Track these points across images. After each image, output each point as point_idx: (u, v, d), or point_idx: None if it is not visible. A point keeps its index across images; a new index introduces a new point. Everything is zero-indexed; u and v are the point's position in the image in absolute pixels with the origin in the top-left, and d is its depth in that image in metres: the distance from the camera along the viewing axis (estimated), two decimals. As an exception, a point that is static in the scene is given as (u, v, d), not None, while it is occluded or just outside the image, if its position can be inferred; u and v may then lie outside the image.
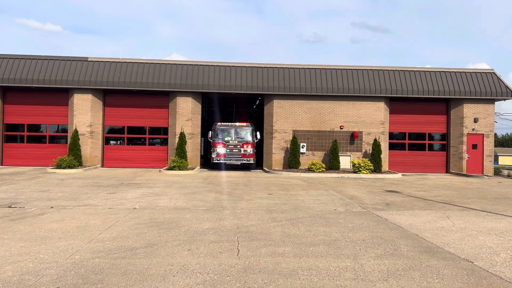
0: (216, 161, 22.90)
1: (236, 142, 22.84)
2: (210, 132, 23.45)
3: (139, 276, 5.34)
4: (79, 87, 22.40)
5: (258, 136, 23.37)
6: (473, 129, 23.64)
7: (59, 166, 20.15)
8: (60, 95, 23.18)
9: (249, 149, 22.84)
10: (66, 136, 23.23)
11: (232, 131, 23.22)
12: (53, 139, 23.70)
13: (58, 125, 23.64)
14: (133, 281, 5.14)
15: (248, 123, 23.95)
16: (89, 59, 22.71)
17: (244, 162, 22.96)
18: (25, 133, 23.38)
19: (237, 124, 23.76)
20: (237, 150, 22.75)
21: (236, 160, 22.90)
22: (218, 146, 22.83)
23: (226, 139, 22.93)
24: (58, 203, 10.81)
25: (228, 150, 22.78)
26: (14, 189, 13.36)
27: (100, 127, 23.40)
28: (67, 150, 22.23)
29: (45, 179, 16.56)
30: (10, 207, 10.04)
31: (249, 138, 23.09)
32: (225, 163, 23.08)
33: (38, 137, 23.65)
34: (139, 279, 5.23)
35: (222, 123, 23.67)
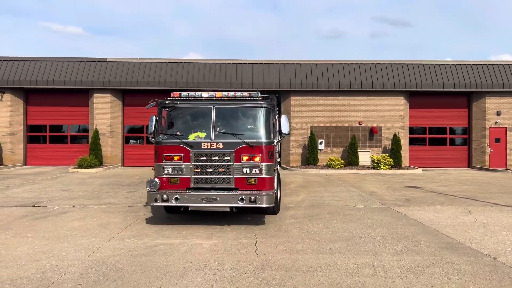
0: (160, 203, 7.90)
1: (222, 146, 8.00)
2: (154, 119, 8.49)
3: (158, 273, 5.41)
4: (99, 87, 22.72)
5: (287, 128, 8.70)
6: (495, 123, 23.09)
7: (80, 166, 20.52)
8: (80, 96, 23.56)
9: (259, 166, 7.95)
10: (87, 136, 23.62)
11: (211, 115, 8.28)
12: (74, 139, 24.13)
13: (79, 125, 24.05)
14: (152, 278, 5.21)
15: (254, 94, 8.56)
16: (108, 60, 23.02)
17: (241, 205, 7.73)
18: (48, 134, 23.86)
19: (227, 95, 8.58)
20: (222, 170, 7.97)
21: (217, 200, 7.75)
22: (167, 161, 8.11)
23: (192, 137, 8.24)
24: (80, 202, 11.02)
25: (197, 171, 8.01)
26: (38, 188, 13.67)
27: (120, 126, 23.71)
28: (88, 149, 22.60)
29: (67, 178, 16.90)
30: (33, 206, 10.28)
31: (259, 133, 8.25)
32: (188, 207, 8.22)
33: (60, 137, 24.10)
34: (159, 276, 5.30)
35: (182, 94, 8.65)
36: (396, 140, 21.89)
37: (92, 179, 16.73)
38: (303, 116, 23.27)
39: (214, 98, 8.51)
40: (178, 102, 8.50)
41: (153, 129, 8.51)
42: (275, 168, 8.42)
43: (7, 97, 22.63)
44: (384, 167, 20.97)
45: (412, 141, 23.96)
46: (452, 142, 24.30)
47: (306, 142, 22.91)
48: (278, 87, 22.90)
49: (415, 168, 21.53)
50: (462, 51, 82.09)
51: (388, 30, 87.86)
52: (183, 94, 8.59)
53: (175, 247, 6.59)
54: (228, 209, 7.86)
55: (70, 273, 5.40)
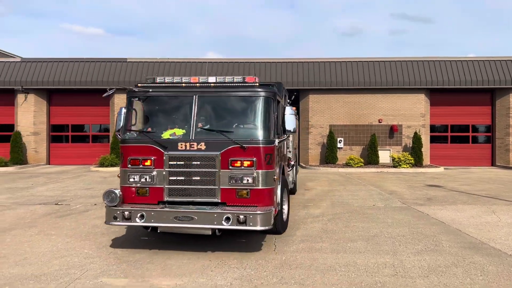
0: (121, 221, 6.11)
1: (204, 146, 6.25)
2: (122, 112, 6.87)
3: (178, 270, 5.46)
4: (119, 87, 23.02)
5: (293, 123, 6.90)
6: (520, 120, 22.51)
7: (102, 165, 20.84)
8: (101, 96, 23.90)
9: (253, 174, 6.16)
10: (108, 135, 23.97)
11: (192, 106, 6.50)
12: (96, 139, 24.54)
13: (100, 125, 24.44)
14: (172, 275, 5.26)
15: (250, 80, 6.66)
16: (128, 60, 23.32)
17: (226, 227, 5.84)
18: (70, 133, 24.32)
19: (214, 80, 6.75)
20: (205, 178, 6.24)
21: (195, 220, 5.91)
22: (134, 166, 6.46)
23: (167, 134, 6.51)
24: (101, 200, 11.18)
25: (172, 179, 6.30)
26: (60, 187, 13.95)
27: (139, 126, 23.98)
28: (109, 149, 22.95)
29: (88, 177, 17.20)
30: (57, 204, 10.51)
31: (255, 130, 6.43)
32: (156, 228, 6.27)
33: (82, 136, 24.54)
34: (179, 273, 5.35)
35: (158, 79, 6.96)
36: (417, 138, 21.57)
37: (114, 177, 16.98)
38: (321, 114, 23.13)
39: (198, 85, 6.67)
40: (150, 89, 6.73)
41: (121, 124, 6.75)
42: (275, 177, 6.40)
43: (31, 97, 23.16)
44: (405, 166, 20.69)
45: (433, 139, 23.57)
46: (475, 140, 23.81)
47: (325, 141, 22.77)
48: (296, 86, 22.82)
49: (436, 167, 21.19)
50: (485, 47, 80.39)
51: (408, 27, 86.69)
52: (159, 79, 6.87)
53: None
54: (209, 232, 6.01)
55: (92, 270, 5.50)
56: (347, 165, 21.47)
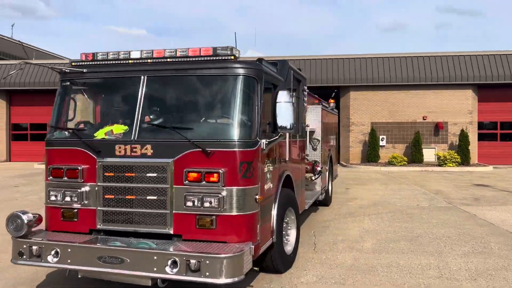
0: (29, 260, 4.24)
1: (151, 151, 4.34)
2: (57, 102, 5.02)
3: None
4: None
5: (289, 116, 4.55)
6: None
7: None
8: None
9: (219, 193, 4.14)
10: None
11: (138, 91, 4.52)
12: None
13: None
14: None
15: (221, 52, 4.44)
16: (169, 60, 23.82)
17: (171, 276, 3.84)
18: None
19: (174, 53, 4.56)
20: (152, 198, 4.32)
21: (127, 264, 3.92)
22: (56, 178, 4.63)
23: (102, 133, 4.63)
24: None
25: (109, 198, 4.45)
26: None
27: (181, 124, 24.48)
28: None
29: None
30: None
31: (226, 125, 4.45)
32: (76, 272, 4.30)
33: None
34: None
35: (99, 55, 4.88)
36: (463, 136, 20.75)
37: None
38: (363, 111, 22.70)
39: (149, 61, 4.65)
40: (85, 69, 4.89)
41: (55, 119, 4.96)
42: (257, 196, 4.36)
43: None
44: (451, 164, 19.98)
45: (481, 137, 22.57)
46: (527, 138, 22.60)
47: (367, 139, 22.33)
48: (337, 82, 22.55)
49: (484, 166, 20.31)
50: (538, 39, 76.28)
51: (455, 20, 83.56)
52: (100, 54, 4.88)
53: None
54: (148, 282, 3.99)
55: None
56: (390, 163, 20.98)
